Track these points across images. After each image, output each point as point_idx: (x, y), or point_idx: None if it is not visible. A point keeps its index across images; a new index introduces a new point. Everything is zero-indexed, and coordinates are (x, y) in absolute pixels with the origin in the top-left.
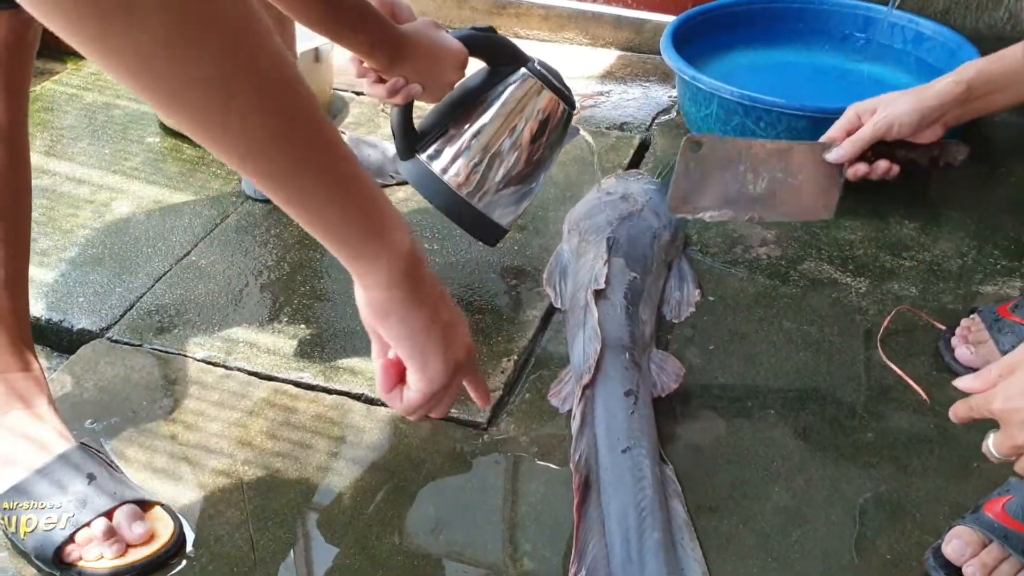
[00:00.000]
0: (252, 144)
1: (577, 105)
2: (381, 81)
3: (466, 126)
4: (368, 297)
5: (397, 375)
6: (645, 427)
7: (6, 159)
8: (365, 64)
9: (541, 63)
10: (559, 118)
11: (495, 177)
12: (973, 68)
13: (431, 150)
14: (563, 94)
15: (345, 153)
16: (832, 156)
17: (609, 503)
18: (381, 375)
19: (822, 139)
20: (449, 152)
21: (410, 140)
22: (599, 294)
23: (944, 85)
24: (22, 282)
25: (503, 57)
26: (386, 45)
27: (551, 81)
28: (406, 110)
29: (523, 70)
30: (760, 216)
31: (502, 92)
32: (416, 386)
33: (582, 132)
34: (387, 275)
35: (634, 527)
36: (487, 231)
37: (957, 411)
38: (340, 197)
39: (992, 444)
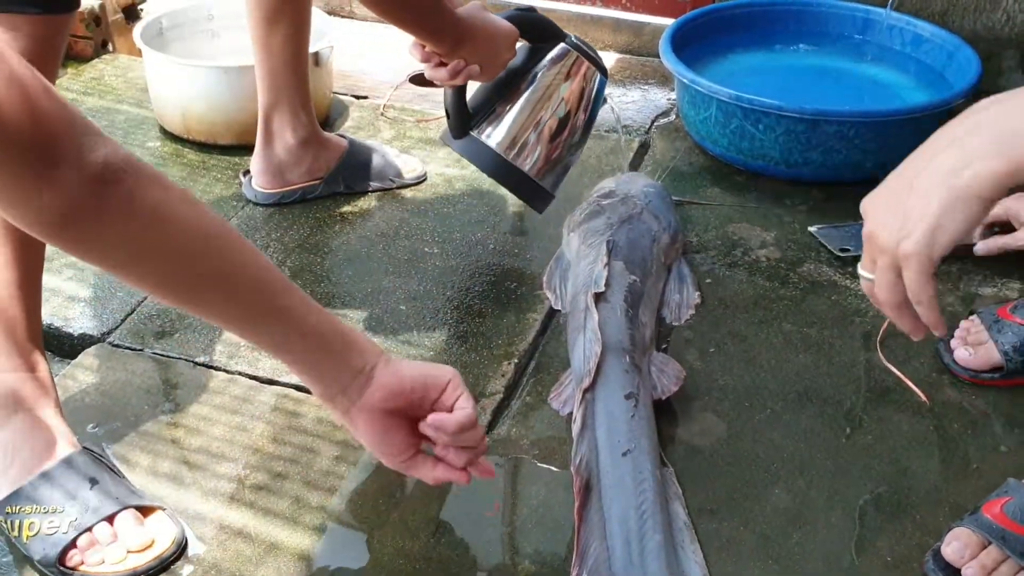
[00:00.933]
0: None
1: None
2: (442, 64)
3: (515, 101)
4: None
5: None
6: (646, 430)
7: None
8: (428, 48)
9: (577, 37)
10: (596, 85)
11: (545, 145)
12: None
13: (485, 127)
14: (599, 63)
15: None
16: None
17: (610, 506)
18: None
19: None
20: (502, 127)
21: (464, 119)
22: (599, 297)
23: None
24: (36, 283)
25: (546, 33)
26: (449, 30)
27: (588, 52)
28: (461, 91)
29: (563, 44)
30: None
31: (546, 66)
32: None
33: (609, 102)
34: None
35: (635, 530)
36: (540, 197)
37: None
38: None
39: (859, 265)
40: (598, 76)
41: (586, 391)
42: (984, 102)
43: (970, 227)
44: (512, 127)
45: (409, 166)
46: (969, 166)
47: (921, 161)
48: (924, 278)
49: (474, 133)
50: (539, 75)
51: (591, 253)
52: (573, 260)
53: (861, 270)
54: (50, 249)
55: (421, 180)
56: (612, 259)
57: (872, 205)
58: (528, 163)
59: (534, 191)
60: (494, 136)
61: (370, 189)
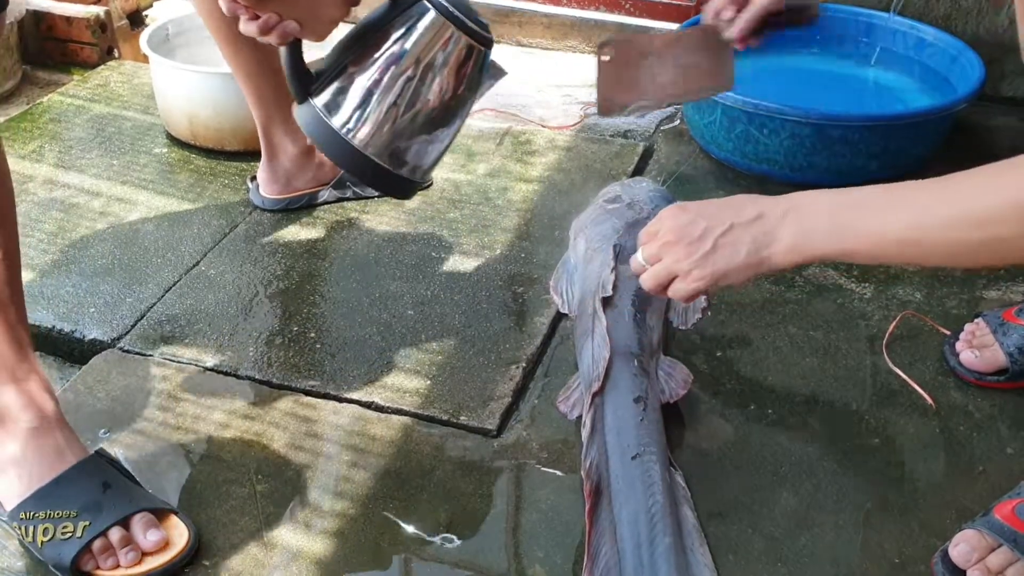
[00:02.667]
0: None
1: (493, 42)
2: (256, 18)
3: (363, 67)
4: None
5: None
6: (654, 433)
7: None
8: None
9: None
10: (470, 58)
11: (395, 125)
12: None
13: (326, 94)
14: (471, 30)
15: None
16: (732, 34)
17: (620, 509)
18: None
19: (710, 11)
20: (344, 97)
21: (302, 82)
22: (607, 301)
23: None
24: (16, 295)
25: None
26: None
27: (456, 16)
28: (294, 49)
29: (424, 3)
30: (674, 98)
31: (402, 29)
32: None
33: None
34: None
35: (645, 533)
36: (390, 184)
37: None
38: None
39: (640, 254)
40: (473, 45)
41: (595, 395)
42: (800, 195)
43: (748, 283)
44: (354, 96)
45: None
46: (770, 246)
47: (738, 216)
48: (689, 296)
49: (313, 100)
50: (393, 38)
51: (598, 257)
52: (580, 264)
53: (641, 256)
54: (58, 254)
55: (428, 184)
56: (619, 263)
57: (677, 222)
58: (372, 142)
59: (376, 173)
60: (334, 105)
61: (378, 193)
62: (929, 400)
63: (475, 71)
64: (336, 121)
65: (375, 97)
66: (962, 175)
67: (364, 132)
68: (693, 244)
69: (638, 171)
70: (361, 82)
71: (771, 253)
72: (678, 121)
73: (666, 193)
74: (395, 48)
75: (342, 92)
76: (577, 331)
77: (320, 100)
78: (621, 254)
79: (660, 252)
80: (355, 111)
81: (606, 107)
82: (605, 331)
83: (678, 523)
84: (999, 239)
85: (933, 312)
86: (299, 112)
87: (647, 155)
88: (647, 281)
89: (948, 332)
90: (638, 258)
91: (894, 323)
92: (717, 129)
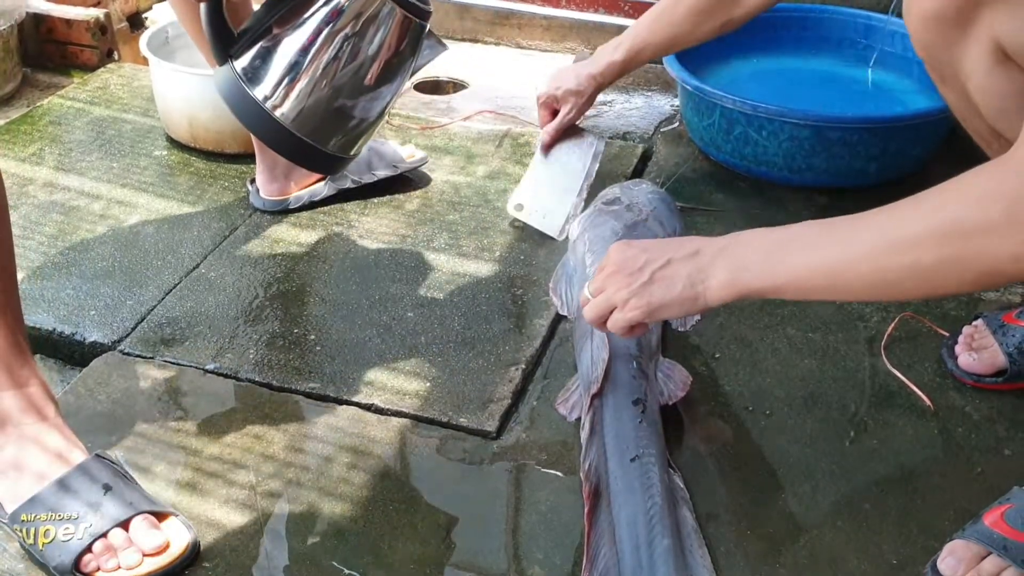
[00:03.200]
0: None
1: (430, 13)
2: None
3: (288, 29)
4: None
5: None
6: (653, 435)
7: None
8: None
9: None
10: (403, 30)
11: (320, 97)
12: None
13: (247, 57)
14: (406, 2)
15: None
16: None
17: (619, 511)
18: None
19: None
20: (267, 62)
21: (223, 41)
22: None
23: (603, 53)
24: (14, 293)
25: None
26: None
27: None
28: (214, 4)
29: None
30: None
31: None
32: None
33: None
34: None
35: (644, 534)
36: (313, 160)
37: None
38: None
39: (587, 288)
40: (407, 17)
41: (594, 397)
42: (738, 234)
43: (685, 316)
44: (276, 63)
45: (409, 152)
46: (704, 282)
47: (677, 252)
48: (625, 326)
49: (233, 63)
50: (320, 3)
51: (596, 260)
52: (579, 267)
53: (588, 289)
54: (58, 257)
55: (423, 163)
56: None
57: (622, 255)
58: (295, 113)
59: (296, 147)
60: (255, 70)
61: (376, 178)
62: (927, 402)
63: (410, 44)
64: (258, 91)
65: (300, 66)
66: (891, 205)
67: (287, 104)
68: (632, 275)
69: (637, 173)
70: (286, 47)
71: (705, 288)
72: (677, 123)
73: (665, 196)
74: (324, 12)
75: (265, 56)
76: (576, 333)
77: (240, 64)
78: None
79: (603, 284)
80: (278, 80)
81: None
82: (604, 333)
83: (677, 525)
84: (921, 266)
85: (931, 314)
86: (217, 75)
87: (646, 157)
88: (588, 313)
89: (946, 334)
90: (585, 292)
91: (892, 325)
92: (716, 131)
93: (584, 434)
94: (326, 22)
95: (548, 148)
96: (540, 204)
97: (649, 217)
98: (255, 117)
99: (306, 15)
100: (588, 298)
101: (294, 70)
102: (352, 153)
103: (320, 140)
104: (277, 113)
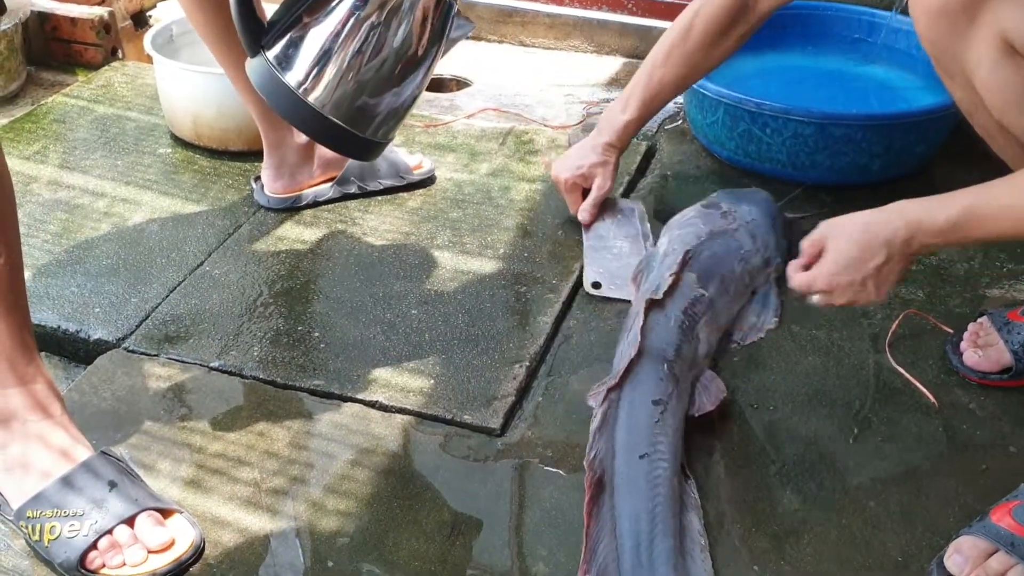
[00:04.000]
0: None
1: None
2: None
3: (319, 17)
4: None
5: None
6: (669, 438)
7: None
8: None
9: None
10: (432, 9)
11: (354, 82)
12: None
13: (279, 47)
14: None
15: None
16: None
17: (622, 505)
18: None
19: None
20: (298, 50)
21: (253, 32)
22: (655, 304)
23: (613, 118)
24: (19, 298)
25: None
26: None
27: None
28: None
29: None
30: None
31: None
32: None
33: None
34: None
35: (645, 532)
36: (350, 145)
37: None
38: None
39: (816, 299)
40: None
41: (611, 390)
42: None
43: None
44: (309, 50)
45: (416, 163)
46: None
47: (892, 247)
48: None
49: (266, 53)
50: None
51: (668, 260)
52: (657, 262)
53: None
54: (62, 255)
55: (430, 176)
56: (686, 271)
57: (847, 255)
58: (331, 99)
59: (334, 133)
60: (288, 59)
61: (382, 187)
62: (932, 399)
63: (440, 22)
64: (291, 78)
65: (333, 51)
66: None
67: (321, 90)
68: (857, 280)
69: (640, 171)
70: (317, 34)
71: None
72: (680, 120)
73: (772, 209)
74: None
75: (296, 44)
76: (624, 326)
77: (273, 53)
78: (692, 261)
79: (829, 285)
80: (311, 67)
81: None
82: (639, 331)
83: (682, 527)
84: None
85: (936, 311)
86: (250, 67)
87: (650, 154)
88: (830, 301)
89: (951, 331)
90: (814, 298)
91: (897, 322)
92: (720, 128)
93: (594, 425)
94: (356, 6)
95: (591, 224)
96: (616, 277)
97: (740, 228)
98: (291, 105)
99: (335, 2)
100: (827, 299)
101: (326, 55)
102: (389, 137)
103: (356, 125)
104: (311, 99)
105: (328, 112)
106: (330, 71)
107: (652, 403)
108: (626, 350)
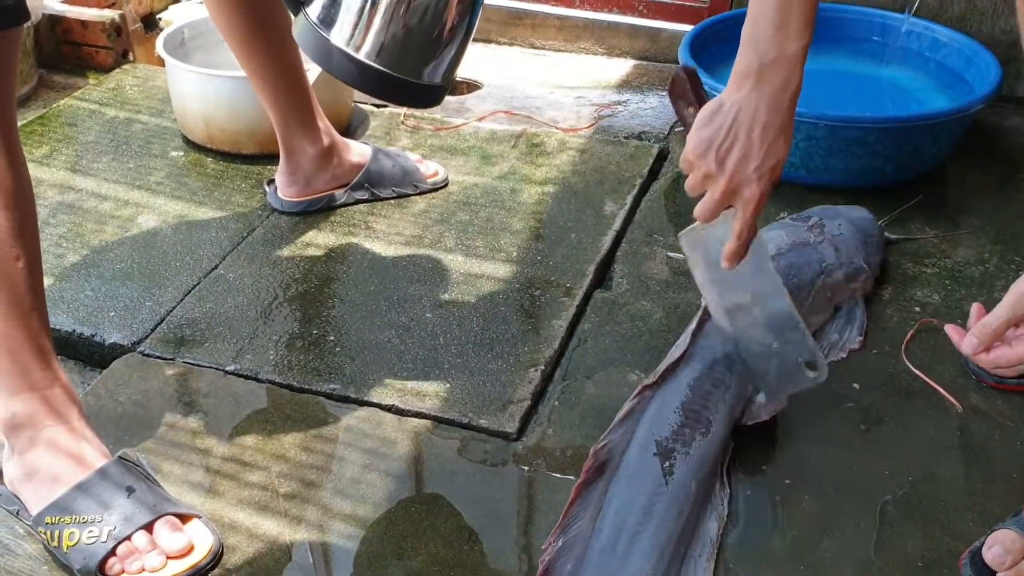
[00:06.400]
0: None
1: None
2: None
3: None
4: None
5: None
6: (701, 442)
7: (7, 181)
8: None
9: None
10: None
11: (403, 26)
12: None
13: (319, 5)
14: None
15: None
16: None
17: (616, 493)
18: None
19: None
20: (339, 4)
21: None
22: None
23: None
24: (37, 302)
25: None
26: None
27: None
28: None
29: None
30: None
31: None
32: None
33: None
34: None
35: (632, 523)
36: (411, 95)
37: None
38: None
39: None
40: None
41: (647, 387)
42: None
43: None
44: (352, 2)
45: (431, 171)
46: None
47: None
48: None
49: (308, 11)
50: None
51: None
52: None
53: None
54: (75, 258)
55: (444, 185)
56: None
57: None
58: (382, 50)
59: (397, 87)
60: (332, 17)
61: (395, 195)
62: (956, 403)
63: None
64: (337, 36)
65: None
66: None
67: (370, 43)
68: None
69: (652, 173)
70: None
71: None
72: None
73: (868, 227)
74: None
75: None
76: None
77: (313, 11)
78: None
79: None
80: (356, 20)
81: None
82: (690, 333)
83: (692, 532)
84: None
85: (952, 314)
86: (297, 32)
87: (662, 157)
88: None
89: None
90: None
91: (911, 332)
92: None
93: (618, 416)
94: None
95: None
96: None
97: (825, 241)
98: (343, 65)
99: None
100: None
101: (370, 4)
102: (450, 79)
103: (413, 72)
104: (360, 54)
105: (382, 64)
106: (377, 21)
107: (686, 406)
108: (674, 351)
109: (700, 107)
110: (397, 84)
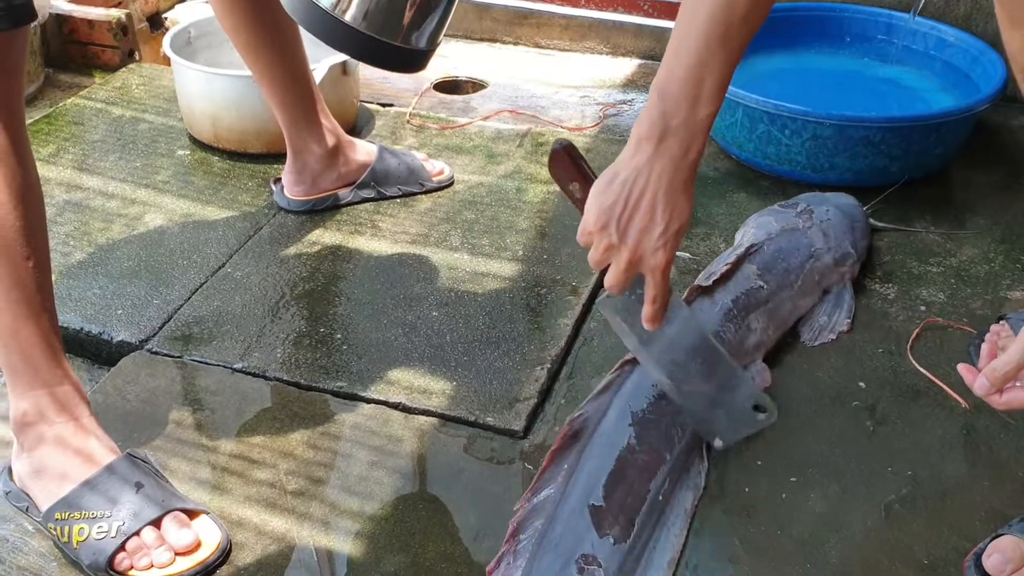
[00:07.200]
0: None
1: None
2: None
3: None
4: None
5: None
6: (679, 420)
7: (16, 180)
8: None
9: None
10: None
11: None
12: None
13: None
14: None
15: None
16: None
17: (589, 459)
18: None
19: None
20: None
21: None
22: (702, 290)
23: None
24: (47, 301)
25: None
26: None
27: None
28: None
29: None
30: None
31: None
32: None
33: None
34: None
35: (602, 488)
36: (396, 59)
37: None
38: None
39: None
40: None
41: (627, 362)
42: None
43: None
44: None
45: (436, 170)
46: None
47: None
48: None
49: None
50: None
51: (731, 253)
52: (722, 256)
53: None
54: (82, 257)
55: (449, 184)
56: (747, 263)
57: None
58: (367, 14)
59: (383, 51)
60: None
61: (400, 193)
62: (962, 402)
63: None
64: (324, 1)
65: None
66: None
67: (355, 6)
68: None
69: None
70: None
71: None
72: None
73: (856, 214)
74: None
75: None
76: None
77: None
78: (755, 254)
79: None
80: None
81: None
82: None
83: (667, 501)
84: None
85: (957, 312)
86: None
87: None
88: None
89: (973, 331)
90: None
91: (917, 330)
92: (738, 130)
93: (597, 388)
94: None
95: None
96: None
97: (815, 227)
98: (328, 28)
99: None
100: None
101: None
102: (435, 44)
103: (397, 37)
104: (346, 18)
105: (366, 28)
106: None
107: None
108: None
109: (584, 181)
110: (382, 48)
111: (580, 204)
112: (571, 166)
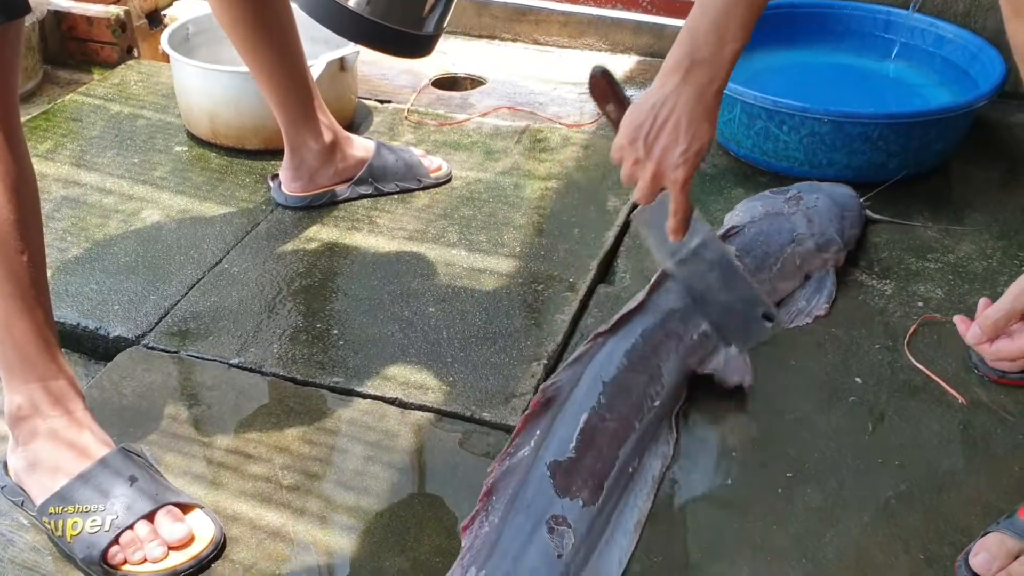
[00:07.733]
0: None
1: None
2: None
3: None
4: None
5: None
6: (655, 388)
7: (11, 175)
8: None
9: None
10: None
11: None
12: None
13: None
14: None
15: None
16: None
17: (560, 425)
18: None
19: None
20: None
21: None
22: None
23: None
24: (41, 295)
25: None
26: None
27: None
28: None
29: None
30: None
31: None
32: None
33: None
34: None
35: (572, 452)
36: (401, 44)
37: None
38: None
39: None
40: None
41: (600, 335)
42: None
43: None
44: None
45: (434, 166)
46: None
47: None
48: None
49: None
50: None
51: (719, 232)
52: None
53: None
54: (79, 252)
55: (447, 180)
56: (726, 244)
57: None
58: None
59: (388, 37)
60: None
61: (398, 189)
62: (959, 397)
63: None
64: None
65: None
66: None
67: None
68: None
69: None
70: None
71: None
72: None
73: (848, 202)
74: None
75: None
76: None
77: None
78: (735, 236)
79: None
80: None
81: None
82: (647, 290)
83: (636, 467)
84: None
85: (954, 308)
86: None
87: None
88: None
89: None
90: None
91: (914, 327)
92: (736, 126)
93: (570, 359)
94: None
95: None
96: None
97: (799, 212)
98: (332, 14)
99: None
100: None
101: None
102: (440, 29)
103: (400, 21)
104: (350, 3)
105: (371, 14)
106: None
107: (635, 352)
108: (630, 304)
109: (620, 103)
110: (386, 33)
111: (615, 124)
112: (608, 90)
